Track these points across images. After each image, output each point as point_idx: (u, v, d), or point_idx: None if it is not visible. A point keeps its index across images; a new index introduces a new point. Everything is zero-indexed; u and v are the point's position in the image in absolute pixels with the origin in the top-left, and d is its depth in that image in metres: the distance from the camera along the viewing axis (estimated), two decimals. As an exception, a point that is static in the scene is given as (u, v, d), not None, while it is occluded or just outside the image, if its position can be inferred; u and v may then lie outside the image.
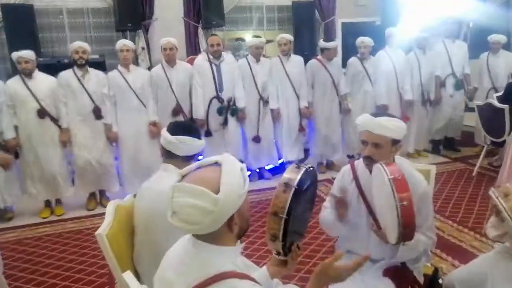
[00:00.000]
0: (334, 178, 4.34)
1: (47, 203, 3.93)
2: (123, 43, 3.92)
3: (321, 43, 4.56)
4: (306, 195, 1.28)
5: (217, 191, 0.99)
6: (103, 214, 1.70)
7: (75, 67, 3.78)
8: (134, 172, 3.99)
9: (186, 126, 1.89)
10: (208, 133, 4.15)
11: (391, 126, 1.67)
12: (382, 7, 6.61)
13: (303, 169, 1.25)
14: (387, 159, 1.73)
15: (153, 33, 5.79)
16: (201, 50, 5.84)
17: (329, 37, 6.49)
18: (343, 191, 1.77)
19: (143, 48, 5.59)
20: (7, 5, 5.05)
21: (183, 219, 1.00)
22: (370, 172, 1.76)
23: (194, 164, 1.09)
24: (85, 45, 3.79)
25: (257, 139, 4.41)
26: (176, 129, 1.79)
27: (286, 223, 1.18)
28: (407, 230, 1.42)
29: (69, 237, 3.38)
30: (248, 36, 6.51)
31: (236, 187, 1.02)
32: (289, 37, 4.45)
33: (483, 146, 4.51)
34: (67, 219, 3.76)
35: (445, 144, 5.33)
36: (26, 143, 3.68)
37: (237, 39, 6.19)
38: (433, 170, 2.06)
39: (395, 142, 1.71)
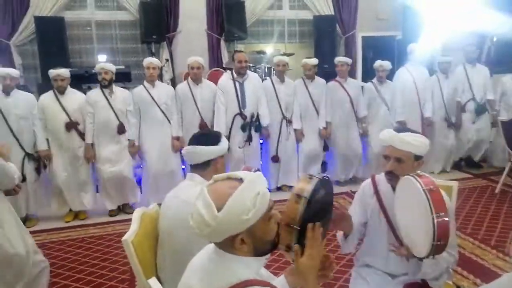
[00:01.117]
0: (352, 191, 4.37)
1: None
2: (150, 61, 4.05)
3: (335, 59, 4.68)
4: (320, 205, 1.26)
5: (220, 209, 1.02)
6: (125, 220, 1.76)
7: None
8: (157, 183, 4.09)
9: (198, 136, 1.94)
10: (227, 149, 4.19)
11: (414, 142, 1.69)
12: (403, 21, 6.60)
13: (316, 179, 1.23)
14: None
15: (177, 45, 5.95)
16: (223, 62, 5.96)
17: (349, 51, 6.53)
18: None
19: (167, 60, 5.74)
20: (40, 17, 5.28)
21: (193, 220, 1.06)
22: (392, 187, 1.77)
23: (226, 174, 1.13)
24: (108, 66, 3.92)
25: (275, 159, 4.46)
26: (190, 140, 1.89)
27: (298, 233, 1.18)
28: (441, 242, 1.42)
29: (92, 242, 3.47)
30: (269, 49, 6.60)
31: (240, 211, 1.02)
32: (314, 62, 4.48)
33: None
34: (90, 225, 3.86)
35: (467, 160, 5.23)
36: (57, 154, 3.86)
37: (259, 52, 6.28)
38: (455, 186, 2.04)
39: (418, 158, 1.72)
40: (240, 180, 1.07)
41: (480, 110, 4.92)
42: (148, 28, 5.58)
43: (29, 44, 5.50)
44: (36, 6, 5.34)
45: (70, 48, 5.60)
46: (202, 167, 1.80)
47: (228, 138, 4.21)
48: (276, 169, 4.53)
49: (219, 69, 5.60)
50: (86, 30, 5.91)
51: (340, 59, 4.63)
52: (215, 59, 6.04)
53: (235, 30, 5.88)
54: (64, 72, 3.80)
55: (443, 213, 1.40)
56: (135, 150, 4.06)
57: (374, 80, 4.68)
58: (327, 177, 1.29)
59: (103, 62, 4.00)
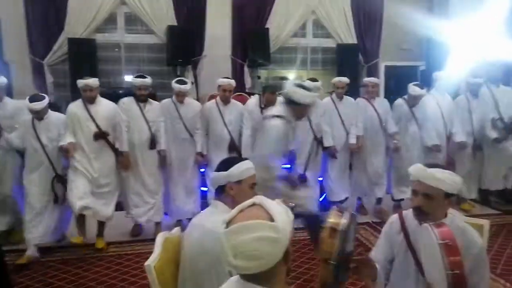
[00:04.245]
0: (373, 222, 4.24)
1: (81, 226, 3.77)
2: (179, 88, 3.96)
3: (364, 79, 4.74)
4: (350, 239, 1.29)
5: (272, 220, 1.03)
6: (145, 240, 1.75)
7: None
8: (180, 198, 4.11)
9: (220, 162, 1.93)
10: None
11: (444, 178, 1.63)
12: (427, 52, 6.59)
13: (347, 214, 1.27)
14: (438, 213, 1.68)
15: (201, 68, 6.09)
16: (246, 87, 6.04)
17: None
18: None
19: (192, 83, 5.86)
20: (73, 39, 5.54)
21: (249, 257, 1.00)
22: (420, 223, 1.72)
23: (235, 209, 1.12)
24: (147, 81, 3.91)
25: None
26: None
27: (337, 268, 1.18)
28: None
29: (111, 261, 3.46)
30: (291, 75, 6.66)
31: (284, 214, 1.07)
32: (346, 80, 4.45)
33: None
34: (109, 243, 3.79)
35: (497, 193, 4.98)
36: (81, 166, 3.61)
37: (281, 78, 6.35)
38: (486, 225, 1.98)
39: (448, 196, 1.67)
40: (254, 204, 1.10)
41: (509, 129, 4.74)
42: (174, 52, 5.74)
43: (61, 64, 5.73)
44: (70, 29, 5.61)
45: (100, 69, 5.80)
46: (218, 193, 1.82)
47: None
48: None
49: (241, 93, 5.67)
50: (115, 52, 6.13)
51: (371, 80, 4.59)
52: (238, 84, 6.12)
53: (258, 56, 5.98)
54: (93, 82, 3.65)
55: (458, 271, 1.35)
56: (164, 161, 4.01)
57: (406, 96, 4.57)
58: (354, 213, 1.32)
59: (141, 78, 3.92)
